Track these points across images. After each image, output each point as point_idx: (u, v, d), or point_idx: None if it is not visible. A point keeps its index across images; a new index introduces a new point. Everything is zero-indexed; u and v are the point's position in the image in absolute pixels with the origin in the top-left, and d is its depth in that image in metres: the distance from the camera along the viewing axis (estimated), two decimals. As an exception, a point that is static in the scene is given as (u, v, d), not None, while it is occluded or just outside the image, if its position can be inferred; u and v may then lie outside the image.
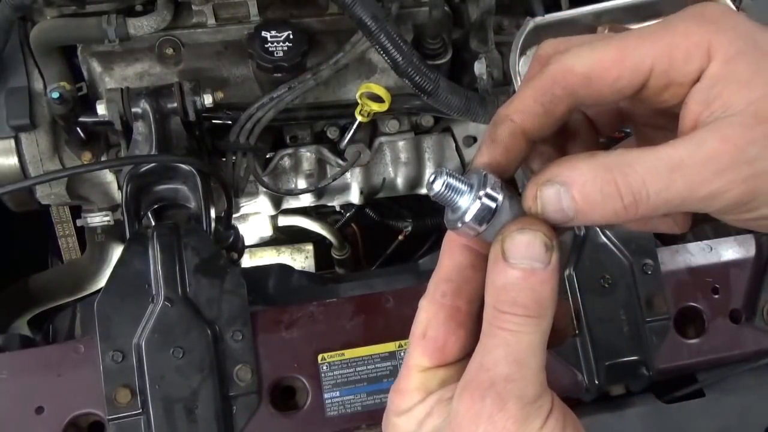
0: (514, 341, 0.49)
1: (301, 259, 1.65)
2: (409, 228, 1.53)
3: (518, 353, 0.49)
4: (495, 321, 0.50)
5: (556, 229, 0.50)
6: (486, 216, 0.50)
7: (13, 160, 1.14)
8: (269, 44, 1.07)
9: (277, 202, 1.32)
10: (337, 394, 0.95)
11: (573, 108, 0.52)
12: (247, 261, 1.59)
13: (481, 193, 0.50)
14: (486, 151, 0.53)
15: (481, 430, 0.48)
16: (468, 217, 0.50)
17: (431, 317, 0.54)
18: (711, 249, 1.10)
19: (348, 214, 1.57)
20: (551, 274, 0.49)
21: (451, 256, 0.55)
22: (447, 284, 0.54)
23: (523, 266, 0.49)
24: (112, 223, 1.25)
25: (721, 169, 0.45)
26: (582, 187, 0.47)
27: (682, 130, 0.49)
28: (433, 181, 0.50)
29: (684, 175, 0.46)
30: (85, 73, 1.16)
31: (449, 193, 0.50)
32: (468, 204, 0.50)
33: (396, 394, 0.55)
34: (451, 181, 0.50)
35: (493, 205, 0.50)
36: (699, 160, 0.45)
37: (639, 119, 0.58)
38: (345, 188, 1.31)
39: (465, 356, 0.54)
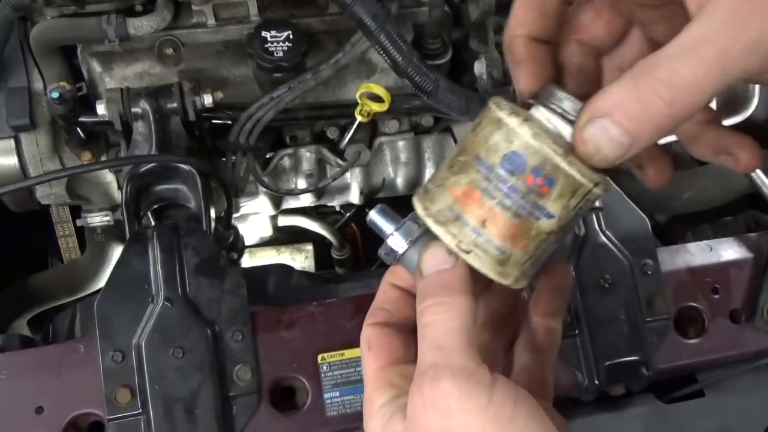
0: (431, 332, 0.53)
1: (301, 259, 1.65)
2: (409, 228, 1.53)
3: (438, 340, 0.52)
4: (419, 323, 0.54)
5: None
6: (411, 233, 0.58)
7: (13, 160, 1.14)
8: (269, 44, 1.07)
9: (277, 202, 1.32)
10: (337, 394, 0.95)
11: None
12: (247, 261, 1.59)
13: (407, 218, 0.59)
14: (519, 75, 0.58)
15: (431, 415, 0.50)
16: (397, 233, 0.58)
17: (371, 334, 0.60)
18: (711, 249, 1.10)
19: (348, 214, 1.57)
20: (458, 268, 0.54)
21: (383, 291, 0.63)
22: (380, 312, 0.61)
23: (433, 271, 0.55)
24: (112, 223, 1.25)
25: (743, 21, 0.43)
26: (621, 107, 0.46)
27: (691, 10, 0.46)
28: (371, 210, 0.61)
29: (711, 44, 0.43)
30: (85, 73, 1.16)
31: (383, 219, 0.60)
32: (396, 226, 0.59)
33: (365, 405, 0.58)
34: (387, 209, 0.60)
35: (415, 226, 0.58)
36: (718, 23, 0.43)
37: (642, 17, 0.58)
38: (345, 188, 1.31)
39: (412, 361, 0.59)
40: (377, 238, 0.61)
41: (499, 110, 0.53)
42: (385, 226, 0.60)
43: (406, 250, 0.58)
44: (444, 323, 0.52)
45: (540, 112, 0.54)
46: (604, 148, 0.48)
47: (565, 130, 0.53)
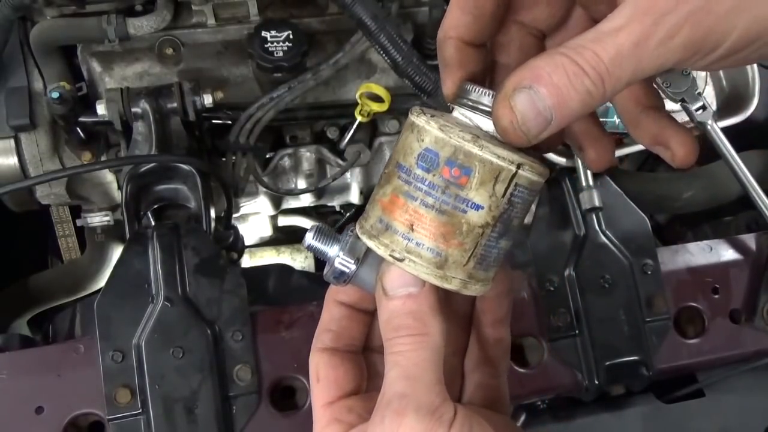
0: (403, 360, 0.52)
1: (301, 259, 1.65)
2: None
3: (408, 370, 0.51)
4: (388, 350, 0.53)
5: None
6: (358, 249, 0.55)
7: (13, 160, 1.14)
8: (269, 44, 1.07)
9: (277, 202, 1.32)
10: (337, 394, 0.95)
11: (499, 1, 0.55)
12: (247, 261, 1.59)
13: (351, 233, 0.56)
14: (446, 77, 0.57)
15: None
16: (343, 253, 0.55)
17: (319, 362, 0.59)
18: (711, 249, 1.10)
19: (348, 214, 1.57)
20: (427, 294, 0.53)
21: (329, 310, 0.61)
22: (326, 334, 0.60)
23: (400, 294, 0.53)
24: (112, 223, 1.25)
25: (658, 16, 0.44)
26: (549, 78, 0.46)
27: None
28: (308, 232, 0.57)
29: (629, 35, 0.44)
30: (85, 73, 1.16)
31: (321, 241, 0.56)
32: (340, 246, 0.56)
33: None
34: (323, 229, 0.57)
35: (359, 242, 0.55)
36: (636, 16, 0.45)
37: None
38: (345, 188, 1.31)
39: (362, 388, 0.60)
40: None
41: (411, 114, 0.52)
42: (326, 248, 0.56)
43: (357, 270, 0.56)
44: (415, 354, 0.52)
45: (456, 110, 0.54)
46: (530, 120, 0.47)
47: (483, 122, 0.52)
